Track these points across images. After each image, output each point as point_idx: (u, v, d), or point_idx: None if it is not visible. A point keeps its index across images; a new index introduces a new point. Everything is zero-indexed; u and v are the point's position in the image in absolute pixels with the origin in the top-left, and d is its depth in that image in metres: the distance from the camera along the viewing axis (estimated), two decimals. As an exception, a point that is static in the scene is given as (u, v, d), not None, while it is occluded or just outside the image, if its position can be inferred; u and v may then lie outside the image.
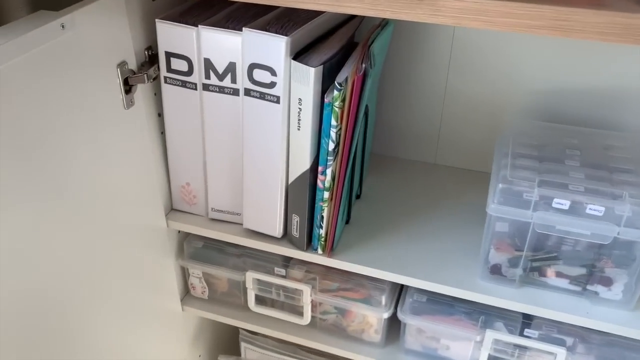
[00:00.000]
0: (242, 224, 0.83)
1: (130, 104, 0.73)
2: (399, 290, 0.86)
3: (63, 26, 0.59)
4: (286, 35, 0.68)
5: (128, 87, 0.72)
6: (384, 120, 0.98)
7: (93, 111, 0.67)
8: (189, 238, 0.91)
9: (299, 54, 0.69)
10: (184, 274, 0.96)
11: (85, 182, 0.67)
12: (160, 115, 0.81)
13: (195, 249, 0.91)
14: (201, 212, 0.86)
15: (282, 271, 0.87)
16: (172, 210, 0.88)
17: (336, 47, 0.70)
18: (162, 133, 0.82)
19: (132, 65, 0.72)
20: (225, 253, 0.90)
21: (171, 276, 0.92)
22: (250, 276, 0.88)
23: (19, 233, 0.58)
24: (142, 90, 0.75)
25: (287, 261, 0.87)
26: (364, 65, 0.66)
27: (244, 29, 0.68)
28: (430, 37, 0.89)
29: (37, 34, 0.56)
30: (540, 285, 0.74)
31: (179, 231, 0.90)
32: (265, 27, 0.70)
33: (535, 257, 0.72)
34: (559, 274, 0.72)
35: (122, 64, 0.70)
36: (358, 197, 0.91)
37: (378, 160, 0.99)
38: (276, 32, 0.69)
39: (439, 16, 0.55)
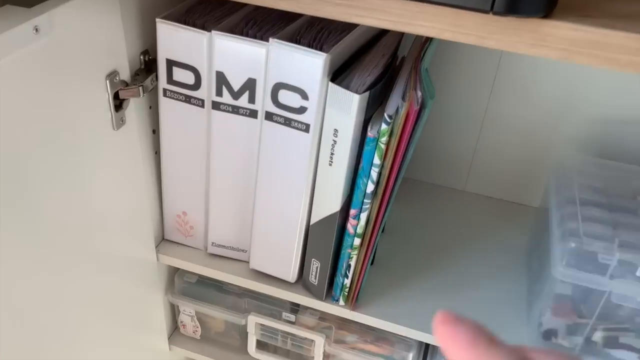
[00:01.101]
0: (247, 262, 0.70)
1: (120, 123, 0.58)
2: (427, 347, 0.75)
3: (37, 29, 0.44)
4: (322, 49, 0.55)
5: (119, 102, 0.58)
6: (410, 139, 0.85)
7: (74, 134, 0.52)
8: (180, 271, 0.78)
9: (337, 73, 0.55)
10: (174, 310, 0.82)
11: (64, 210, 0.53)
12: (154, 132, 0.67)
13: (189, 285, 0.78)
14: (198, 245, 0.72)
15: (291, 317, 0.74)
16: (163, 240, 0.74)
17: (380, 66, 0.57)
18: (156, 153, 0.68)
19: (125, 74, 0.58)
20: (223, 291, 0.77)
21: (158, 312, 0.79)
22: (253, 320, 0.75)
23: None
24: (134, 103, 0.61)
25: (296, 305, 0.75)
26: (420, 94, 0.53)
27: (271, 39, 0.54)
28: (475, 53, 0.76)
29: (2, 41, 0.42)
30: (602, 357, 0.63)
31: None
32: (295, 37, 0.56)
33: (602, 326, 0.61)
34: (629, 347, 0.61)
35: (112, 75, 0.55)
36: (382, 230, 0.78)
37: (402, 184, 0.87)
38: (309, 45, 0.55)
39: (542, 47, 0.42)
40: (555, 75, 0.75)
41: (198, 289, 0.78)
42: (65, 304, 0.57)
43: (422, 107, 0.53)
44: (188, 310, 0.80)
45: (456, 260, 0.75)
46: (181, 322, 0.82)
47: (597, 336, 0.62)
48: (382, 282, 0.71)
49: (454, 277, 0.73)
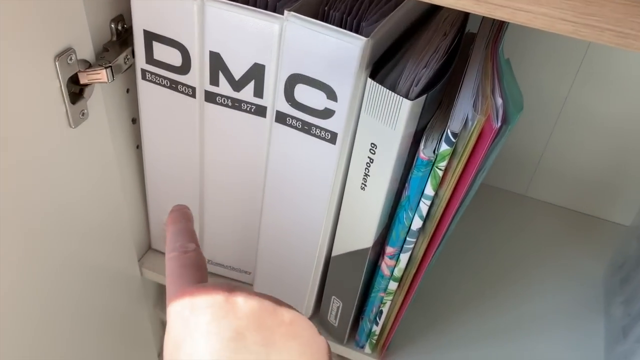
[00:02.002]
0: (252, 286, 0.56)
1: (80, 118, 0.43)
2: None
3: None
4: (359, 28, 0.38)
5: (78, 89, 0.42)
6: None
7: (16, 135, 0.37)
8: (173, 284, 0.64)
9: (379, 65, 0.39)
10: (164, 326, 0.69)
11: (23, 220, 0.39)
12: (135, 122, 0.51)
13: (182, 300, 0.64)
14: (192, 260, 0.58)
15: (305, 351, 0.60)
16: (150, 250, 0.60)
17: (441, 52, 0.40)
18: (138, 147, 0.53)
19: (86, 51, 0.42)
20: (223, 311, 0.63)
21: (146, 327, 0.66)
22: (258, 351, 0.61)
23: None
24: (104, 88, 0.45)
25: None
26: (500, 102, 0.36)
27: (286, 12, 0.37)
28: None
29: None
30: None
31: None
32: (320, 9, 0.39)
33: None
34: None
35: (65, 54, 0.39)
36: (420, 248, 0.63)
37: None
38: (341, 20, 0.38)
39: None
40: (666, 61, 0.57)
41: (193, 306, 0.64)
42: (45, 319, 0.46)
43: (504, 122, 0.36)
44: (181, 329, 0.66)
45: (515, 294, 0.60)
46: (174, 339, 0.69)
47: None
48: (422, 321, 0.56)
49: (512, 317, 0.57)
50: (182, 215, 0.36)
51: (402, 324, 0.55)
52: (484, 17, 0.45)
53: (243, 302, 0.26)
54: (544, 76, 0.61)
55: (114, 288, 0.56)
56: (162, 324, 0.69)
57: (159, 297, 0.65)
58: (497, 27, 0.43)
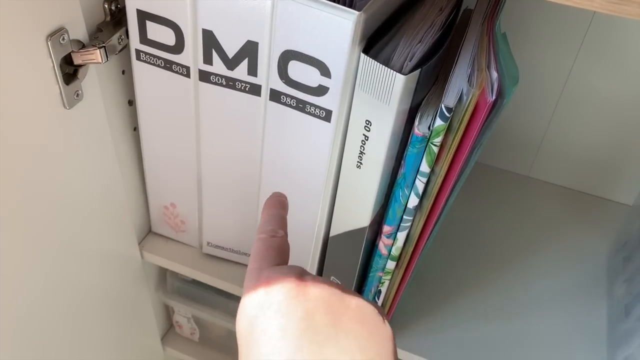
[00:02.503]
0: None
1: (74, 98, 0.43)
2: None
3: None
4: (353, 4, 0.37)
5: (72, 70, 0.42)
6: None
7: (9, 117, 0.37)
8: (174, 268, 0.64)
9: (373, 40, 0.38)
10: (167, 308, 0.70)
11: (20, 203, 0.40)
12: (131, 103, 0.51)
13: (183, 283, 0.64)
14: (192, 242, 0.58)
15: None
16: (150, 233, 0.60)
17: (436, 28, 0.39)
18: (135, 129, 0.53)
19: (79, 31, 0.42)
20: (225, 293, 0.63)
21: (148, 310, 0.66)
22: (259, 333, 0.61)
23: None
24: (98, 69, 0.45)
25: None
26: (495, 76, 0.35)
27: (277, -13, 0.36)
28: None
29: None
30: None
31: (161, 259, 0.63)
32: (314, -17, 0.39)
33: None
34: None
35: (57, 34, 0.39)
36: (421, 229, 0.62)
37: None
38: (335, -4, 0.38)
39: None
40: (670, 37, 0.56)
41: (195, 289, 0.64)
42: (46, 301, 0.47)
43: (499, 96, 0.35)
44: (183, 312, 0.67)
45: (517, 274, 0.59)
46: (176, 322, 0.70)
47: None
48: (422, 302, 0.56)
49: (514, 297, 0.57)
50: (279, 202, 0.38)
51: (402, 304, 0.55)
52: (481, -9, 0.44)
53: (313, 287, 0.28)
54: (546, 54, 0.60)
55: (115, 271, 0.57)
56: (164, 307, 0.69)
57: (160, 280, 0.65)
58: (494, 3, 0.42)
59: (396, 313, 0.54)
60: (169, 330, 0.72)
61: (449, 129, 0.37)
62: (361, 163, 0.41)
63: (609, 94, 0.60)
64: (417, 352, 0.52)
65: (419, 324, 0.54)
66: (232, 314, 0.63)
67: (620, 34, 0.57)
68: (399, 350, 0.52)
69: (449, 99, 0.35)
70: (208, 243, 0.56)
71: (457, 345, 0.53)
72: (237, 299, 0.62)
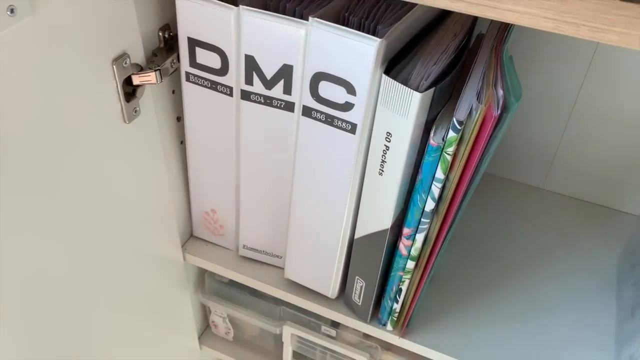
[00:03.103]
0: (283, 270, 0.61)
1: (133, 114, 0.49)
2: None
3: (12, 10, 0.35)
4: (376, 31, 0.43)
5: (131, 90, 0.48)
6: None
7: (77, 129, 0.43)
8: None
9: (394, 62, 0.44)
10: (204, 309, 0.75)
11: (77, 207, 0.46)
12: (179, 119, 0.57)
13: (220, 285, 0.70)
14: (229, 245, 0.64)
15: (332, 331, 0.65)
16: (192, 237, 0.66)
17: (452, 50, 0.45)
18: (182, 143, 0.59)
19: (138, 56, 0.48)
20: (258, 294, 0.69)
21: (187, 310, 0.72)
22: (289, 331, 0.66)
23: (10, 265, 0.40)
24: (152, 89, 0.51)
25: (339, 317, 0.65)
26: (501, 94, 0.41)
27: (310, 18, 0.42)
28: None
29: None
30: None
31: (200, 262, 0.68)
32: (341, 15, 0.45)
33: None
34: None
35: (120, 58, 0.46)
36: (440, 236, 0.67)
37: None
38: (360, 24, 0.44)
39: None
40: (672, 58, 0.60)
41: (230, 290, 0.70)
42: (92, 300, 0.52)
43: (504, 110, 0.40)
44: (219, 312, 0.72)
45: (529, 277, 0.63)
46: (212, 321, 0.75)
47: None
48: (440, 303, 0.60)
49: (526, 299, 0.61)
50: None
51: (421, 304, 0.59)
52: (492, 20, 0.50)
53: None
54: (557, 73, 0.65)
55: (160, 272, 0.63)
56: (201, 307, 0.75)
57: (199, 282, 0.71)
58: (503, 29, 0.48)
59: (416, 311, 0.58)
60: (205, 329, 0.78)
61: (460, 140, 0.42)
62: (383, 170, 0.46)
63: (617, 112, 0.65)
64: (435, 347, 0.56)
65: (438, 322, 0.58)
66: (264, 313, 0.68)
67: (627, 55, 0.61)
68: (419, 347, 0.57)
69: (460, 114, 0.41)
70: (244, 246, 0.62)
71: (474, 341, 0.57)
72: (268, 300, 0.67)
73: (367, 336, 0.64)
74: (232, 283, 0.70)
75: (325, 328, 0.65)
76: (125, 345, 0.60)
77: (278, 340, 0.70)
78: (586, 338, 0.58)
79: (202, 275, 0.71)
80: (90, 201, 0.48)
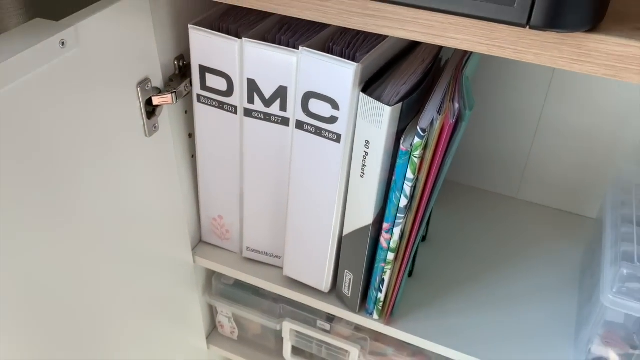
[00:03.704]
0: (282, 269, 0.69)
1: (153, 130, 0.58)
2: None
3: (63, 43, 0.44)
4: (355, 57, 0.52)
5: (151, 109, 0.57)
6: (461, 142, 0.81)
7: (107, 141, 0.52)
8: (218, 273, 0.78)
9: (370, 82, 0.53)
10: (211, 310, 0.83)
11: (100, 212, 0.54)
12: (191, 136, 0.66)
13: (226, 286, 0.78)
14: (234, 249, 0.72)
15: (327, 325, 0.73)
16: (200, 242, 0.74)
17: (418, 74, 0.54)
18: (193, 157, 0.68)
19: (157, 81, 0.57)
20: (260, 294, 0.76)
21: (196, 311, 0.79)
22: (288, 327, 0.74)
23: (35, 265, 0.48)
24: (169, 109, 0.60)
25: (332, 314, 0.73)
26: (457, 106, 0.49)
27: (300, 48, 0.52)
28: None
29: (26, 57, 0.42)
30: (657, 392, 0.58)
31: (208, 265, 0.77)
32: (327, 45, 0.54)
33: (658, 360, 0.56)
34: (687, 384, 0.56)
35: (143, 82, 0.55)
36: (424, 239, 0.75)
37: (448, 189, 0.83)
38: (342, 52, 0.53)
39: (586, 63, 0.38)
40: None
41: (235, 291, 0.78)
42: (107, 302, 0.59)
43: (459, 119, 0.49)
44: (225, 312, 0.80)
45: (503, 274, 0.71)
46: (219, 322, 0.83)
47: (652, 369, 0.57)
48: (421, 296, 0.68)
49: (499, 292, 0.69)
50: None
51: (404, 297, 0.67)
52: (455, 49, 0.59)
53: None
54: (523, 93, 0.74)
55: (172, 275, 0.70)
56: (209, 309, 0.82)
57: (207, 285, 0.79)
58: (463, 54, 0.57)
59: (401, 304, 0.66)
60: (213, 330, 0.85)
61: (425, 145, 0.51)
62: (364, 173, 0.55)
63: (575, 126, 0.73)
64: (416, 333, 0.64)
65: (419, 312, 0.66)
66: (266, 311, 0.76)
67: (580, 76, 0.70)
68: (402, 333, 0.64)
69: (423, 123, 0.49)
70: (247, 248, 0.70)
71: (450, 328, 0.64)
72: (269, 299, 0.75)
73: (357, 329, 0.72)
74: (236, 285, 0.77)
75: (320, 322, 0.73)
76: (137, 346, 0.66)
77: (278, 336, 0.78)
78: (551, 324, 0.65)
79: (210, 278, 0.79)
80: (114, 208, 0.56)
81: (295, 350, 0.77)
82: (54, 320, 0.52)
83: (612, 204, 0.62)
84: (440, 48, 0.59)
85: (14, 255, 0.45)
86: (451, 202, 0.81)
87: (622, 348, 0.57)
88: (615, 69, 0.37)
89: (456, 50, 0.59)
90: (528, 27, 0.36)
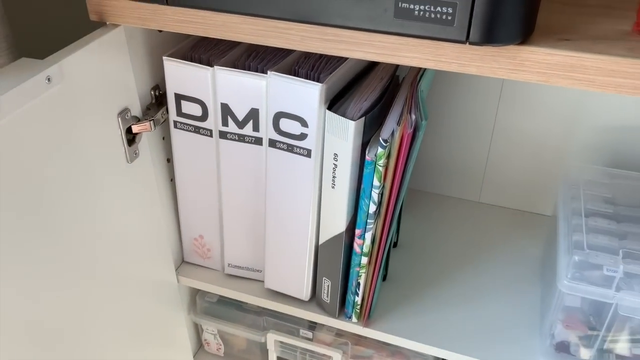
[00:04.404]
0: (263, 282, 0.73)
1: (134, 155, 0.62)
2: (443, 358, 0.76)
3: (49, 79, 0.48)
4: (319, 79, 0.57)
5: (132, 137, 0.61)
6: (423, 153, 0.86)
7: (91, 169, 0.56)
8: (202, 292, 0.81)
9: (335, 100, 0.57)
10: (197, 329, 0.85)
11: (85, 239, 0.57)
12: (169, 160, 0.70)
13: (210, 304, 0.81)
14: (216, 266, 0.75)
15: (309, 334, 0.76)
16: (183, 262, 0.77)
17: (378, 90, 0.59)
18: (172, 180, 0.71)
19: (136, 110, 0.61)
20: (243, 309, 0.80)
21: (182, 331, 0.82)
22: (272, 338, 0.77)
23: (18, 294, 0.49)
24: (147, 136, 0.64)
25: (314, 322, 0.77)
26: (414, 118, 0.54)
27: (269, 72, 0.56)
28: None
29: (15, 94, 0.45)
30: (616, 368, 0.63)
31: (192, 285, 0.79)
32: (292, 68, 0.59)
33: (614, 338, 0.61)
34: (641, 358, 0.61)
35: (123, 112, 0.59)
36: (395, 245, 0.80)
37: (416, 197, 0.88)
38: (307, 75, 0.58)
39: (521, 72, 0.43)
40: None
41: (219, 308, 0.81)
42: (93, 326, 0.61)
43: (416, 129, 0.54)
44: (211, 329, 0.83)
45: (470, 273, 0.76)
46: (205, 340, 0.85)
47: (610, 348, 0.62)
48: (395, 297, 0.72)
49: (468, 289, 0.73)
50: None
51: (381, 299, 0.71)
52: (410, 67, 0.64)
53: None
54: (477, 103, 0.80)
55: (157, 296, 0.73)
56: (195, 328, 0.85)
57: (191, 304, 0.82)
58: (417, 71, 0.62)
59: (377, 306, 0.70)
60: (199, 349, 0.87)
61: (388, 154, 0.55)
62: (334, 184, 0.59)
63: (527, 131, 0.79)
64: (394, 333, 0.67)
65: (394, 313, 0.70)
66: (250, 325, 0.79)
67: (527, 84, 0.76)
68: (380, 333, 0.68)
69: (385, 134, 0.54)
70: (229, 264, 0.73)
71: (425, 325, 0.68)
72: (253, 312, 0.78)
73: (339, 334, 0.76)
74: (220, 302, 0.80)
75: (303, 331, 0.76)
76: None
77: (263, 349, 0.81)
78: (517, 315, 0.70)
79: (194, 297, 0.82)
80: (98, 233, 0.59)
81: (281, 361, 0.80)
82: (37, 345, 0.53)
83: (563, 200, 0.68)
84: (397, 67, 0.64)
85: None
86: (418, 210, 0.86)
87: (581, 330, 0.62)
88: (546, 75, 0.43)
89: (411, 68, 0.64)
90: (467, 43, 0.41)
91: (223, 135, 0.62)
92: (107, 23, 0.55)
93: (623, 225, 0.62)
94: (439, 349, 0.67)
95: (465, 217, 0.85)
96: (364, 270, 0.64)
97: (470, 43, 0.41)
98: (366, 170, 0.57)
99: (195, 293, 0.82)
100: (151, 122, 0.61)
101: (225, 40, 0.63)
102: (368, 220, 0.60)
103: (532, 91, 0.77)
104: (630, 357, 0.62)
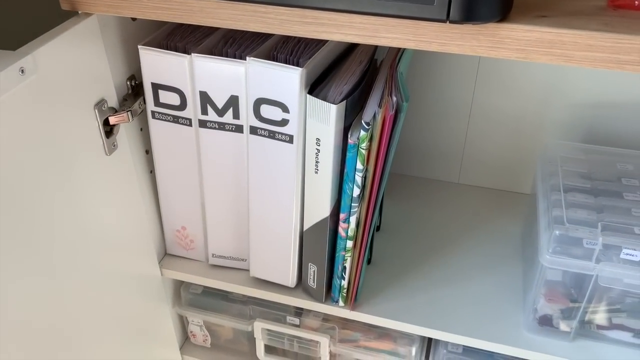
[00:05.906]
0: (248, 271, 0.73)
1: (112, 148, 0.61)
2: (431, 339, 0.77)
3: (22, 71, 0.47)
4: (298, 63, 0.57)
5: (109, 128, 0.60)
6: (402, 136, 0.87)
7: (69, 162, 0.55)
8: (186, 284, 0.80)
9: (315, 85, 0.57)
10: (182, 321, 0.85)
11: (65, 233, 0.56)
12: (148, 152, 0.69)
13: (194, 295, 0.80)
14: (200, 257, 0.75)
15: (296, 320, 0.77)
16: (166, 255, 0.76)
17: (357, 74, 0.59)
18: (151, 172, 0.70)
19: (113, 101, 0.60)
20: (228, 299, 0.79)
21: (167, 324, 0.81)
22: (259, 326, 0.77)
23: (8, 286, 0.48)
24: (125, 127, 0.63)
25: (300, 308, 0.77)
26: (395, 100, 0.55)
27: (247, 58, 0.56)
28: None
29: (-10, 86, 0.44)
30: (597, 339, 0.64)
31: (175, 277, 0.79)
32: (271, 53, 0.58)
33: (595, 309, 0.62)
34: (621, 327, 0.63)
35: (100, 104, 0.57)
36: (378, 229, 0.80)
37: (396, 181, 0.89)
38: (286, 59, 0.57)
39: (501, 49, 0.44)
40: (534, 63, 0.76)
41: (204, 299, 0.80)
42: (78, 322, 0.60)
43: (398, 111, 0.54)
44: (196, 321, 0.82)
45: (453, 253, 0.77)
46: (191, 332, 0.85)
47: (591, 319, 0.63)
48: (380, 280, 0.73)
49: (451, 269, 0.74)
50: None
51: (365, 283, 0.71)
52: (389, 48, 0.64)
53: None
54: (453, 84, 0.80)
55: (141, 289, 0.72)
56: (180, 320, 0.84)
57: (176, 296, 0.81)
58: (395, 53, 0.62)
59: (363, 290, 0.70)
60: (185, 341, 0.87)
61: (371, 137, 0.55)
62: (318, 169, 0.59)
63: (504, 110, 0.80)
64: (380, 315, 0.68)
65: (380, 295, 0.70)
66: (236, 315, 0.79)
67: (503, 63, 0.77)
68: (367, 316, 0.69)
69: (367, 116, 0.54)
70: (213, 255, 0.73)
71: (410, 306, 0.69)
72: (239, 302, 0.78)
73: (326, 319, 0.76)
74: (205, 293, 0.80)
75: (289, 318, 0.77)
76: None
77: (251, 338, 0.81)
78: (501, 292, 0.71)
79: (178, 290, 0.81)
80: (78, 227, 0.58)
81: (268, 349, 0.80)
82: (22, 342, 0.52)
83: (541, 177, 0.69)
84: (375, 49, 0.64)
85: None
86: (400, 193, 0.87)
87: (563, 303, 0.63)
88: (525, 51, 0.43)
89: (389, 50, 0.65)
90: (448, 21, 0.41)
91: (203, 124, 0.62)
92: (80, 12, 0.54)
93: (600, 199, 0.64)
94: (426, 328, 0.67)
95: (445, 198, 0.86)
96: (349, 254, 0.64)
97: (451, 22, 0.41)
98: (349, 154, 0.57)
99: (179, 285, 0.81)
100: (128, 112, 0.60)
101: (201, 27, 0.63)
102: (352, 204, 0.60)
103: (508, 70, 0.77)
104: (609, 327, 0.63)
